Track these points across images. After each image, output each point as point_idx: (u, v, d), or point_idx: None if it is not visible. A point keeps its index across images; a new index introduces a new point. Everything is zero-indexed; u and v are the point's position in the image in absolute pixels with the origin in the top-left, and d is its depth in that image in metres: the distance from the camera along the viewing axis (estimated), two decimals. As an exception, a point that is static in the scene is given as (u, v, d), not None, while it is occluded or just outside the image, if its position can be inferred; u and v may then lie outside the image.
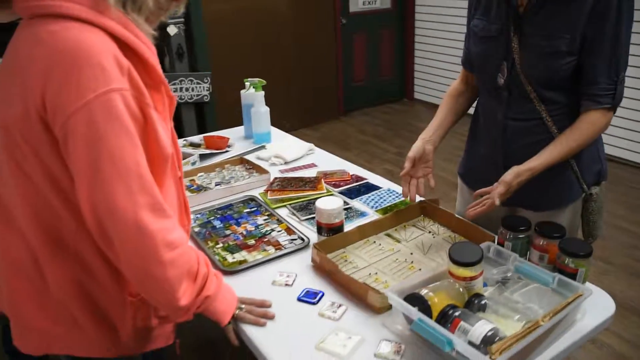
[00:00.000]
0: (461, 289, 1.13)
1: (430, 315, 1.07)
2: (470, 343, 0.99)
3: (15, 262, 1.01)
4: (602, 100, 1.32)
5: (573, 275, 1.21)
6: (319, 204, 1.40)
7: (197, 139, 2.33)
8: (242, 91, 2.38)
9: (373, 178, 1.90)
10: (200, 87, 3.86)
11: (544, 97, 1.38)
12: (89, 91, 0.85)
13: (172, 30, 3.92)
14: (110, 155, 0.87)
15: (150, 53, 0.97)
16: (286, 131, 2.49)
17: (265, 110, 2.27)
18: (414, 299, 1.09)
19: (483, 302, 1.10)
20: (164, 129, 0.99)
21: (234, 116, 2.62)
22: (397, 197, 1.73)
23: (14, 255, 1.01)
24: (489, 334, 0.99)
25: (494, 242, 1.35)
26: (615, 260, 3.01)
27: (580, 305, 1.14)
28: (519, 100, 1.42)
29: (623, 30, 1.28)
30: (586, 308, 1.19)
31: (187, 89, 3.83)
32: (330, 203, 1.40)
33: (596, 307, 1.21)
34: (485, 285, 1.21)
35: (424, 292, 1.11)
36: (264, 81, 2.31)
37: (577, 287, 1.15)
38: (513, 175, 1.33)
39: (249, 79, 2.35)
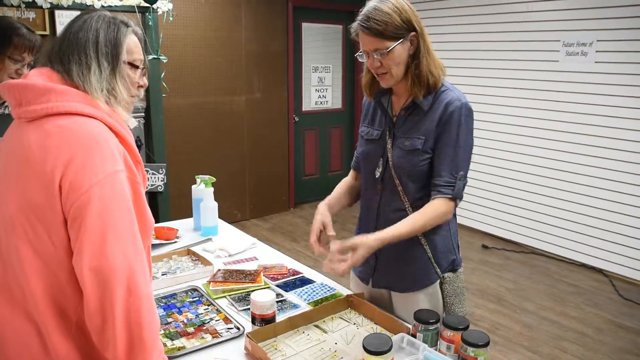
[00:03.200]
0: (373, 375, 1.29)
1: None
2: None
3: (19, 340, 1.11)
4: (444, 191, 1.63)
5: (473, 363, 1.39)
6: (254, 296, 1.56)
7: (147, 230, 2.46)
8: (193, 186, 2.56)
9: (308, 272, 2.07)
10: (155, 177, 4.01)
11: (407, 189, 1.70)
12: (101, 172, 1.06)
13: (132, 122, 4.13)
14: (114, 225, 1.05)
15: (130, 137, 1.19)
16: (237, 221, 2.65)
17: (214, 205, 2.45)
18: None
19: (391, 386, 1.26)
20: (145, 201, 1.20)
21: (187, 206, 2.77)
22: (328, 290, 1.90)
23: (17, 333, 1.11)
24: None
25: (408, 333, 1.52)
26: (541, 350, 3.20)
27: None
28: (389, 193, 1.74)
29: (461, 138, 1.63)
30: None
31: (142, 179, 3.98)
32: (263, 296, 1.56)
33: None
34: (396, 372, 1.38)
35: (339, 377, 1.26)
36: (214, 178, 2.50)
37: (474, 372, 1.33)
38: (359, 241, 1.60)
39: (200, 175, 2.54)
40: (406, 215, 1.69)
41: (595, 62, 4.12)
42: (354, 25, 1.61)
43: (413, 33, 1.58)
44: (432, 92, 1.64)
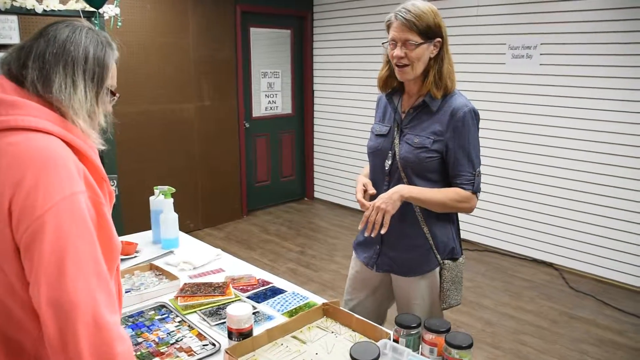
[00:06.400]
0: (361, 385, 1.26)
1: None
2: None
3: None
4: (466, 187, 1.80)
5: (458, 365, 1.39)
6: (230, 310, 1.50)
7: (104, 245, 2.34)
8: (152, 197, 2.46)
9: (278, 282, 2.02)
10: (104, 189, 3.85)
11: (411, 182, 1.84)
12: (56, 194, 0.94)
13: (100, 145, 3.99)
14: (74, 255, 0.94)
15: (94, 154, 1.08)
16: (191, 231, 2.56)
17: (174, 216, 2.36)
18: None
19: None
20: (111, 223, 1.09)
21: (140, 218, 2.65)
22: (301, 299, 1.86)
23: None
24: None
25: (390, 339, 1.50)
26: (503, 345, 3.26)
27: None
28: (395, 184, 1.85)
29: (472, 140, 1.80)
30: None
31: (89, 192, 3.81)
32: (239, 309, 1.50)
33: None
34: (383, 379, 1.35)
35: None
36: (173, 189, 2.41)
37: (460, 375, 1.32)
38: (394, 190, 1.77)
39: (159, 186, 2.45)
40: (409, 205, 1.82)
41: (540, 64, 4.27)
42: (390, 15, 1.76)
43: (438, 39, 1.76)
44: (445, 96, 1.80)
